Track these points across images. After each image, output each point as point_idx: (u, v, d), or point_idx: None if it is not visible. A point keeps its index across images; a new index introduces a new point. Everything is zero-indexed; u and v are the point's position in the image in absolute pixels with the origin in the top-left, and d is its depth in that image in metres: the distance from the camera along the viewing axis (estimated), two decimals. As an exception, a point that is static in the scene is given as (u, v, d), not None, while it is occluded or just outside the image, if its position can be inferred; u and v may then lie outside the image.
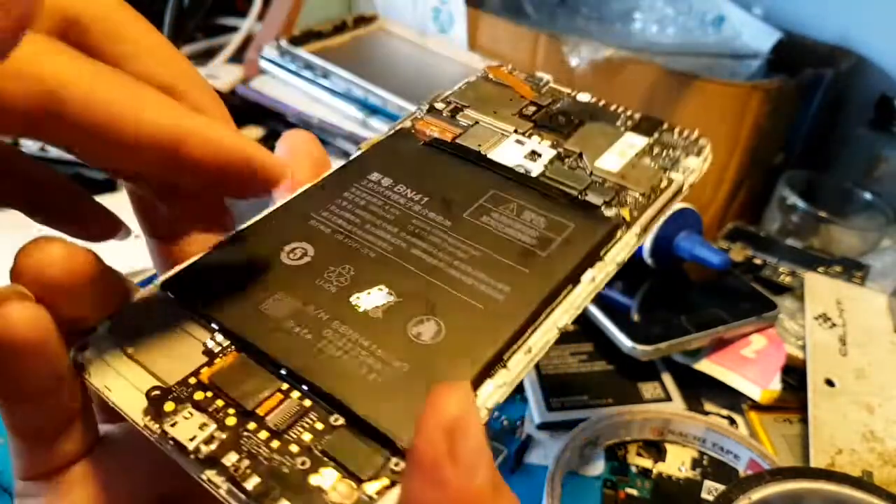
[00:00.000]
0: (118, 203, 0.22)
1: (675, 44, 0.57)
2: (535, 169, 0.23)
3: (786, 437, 0.37)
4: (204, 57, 0.67)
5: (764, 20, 0.59)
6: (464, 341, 0.18)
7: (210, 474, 0.16)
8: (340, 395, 0.17)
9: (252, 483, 0.15)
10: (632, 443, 0.36)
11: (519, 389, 0.39)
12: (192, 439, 0.16)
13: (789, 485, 0.29)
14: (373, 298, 0.19)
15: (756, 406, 0.39)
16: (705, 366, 0.39)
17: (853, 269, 0.48)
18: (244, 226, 0.22)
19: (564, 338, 0.41)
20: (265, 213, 0.22)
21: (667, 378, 0.39)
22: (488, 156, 0.24)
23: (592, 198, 0.22)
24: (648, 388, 0.39)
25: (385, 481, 0.16)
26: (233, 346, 0.18)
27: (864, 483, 0.29)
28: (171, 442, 0.16)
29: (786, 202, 0.53)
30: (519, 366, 0.18)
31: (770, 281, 0.47)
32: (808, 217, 0.52)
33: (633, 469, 0.35)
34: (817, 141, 0.60)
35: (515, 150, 0.24)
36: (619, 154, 0.24)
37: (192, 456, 0.16)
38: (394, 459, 0.16)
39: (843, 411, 0.37)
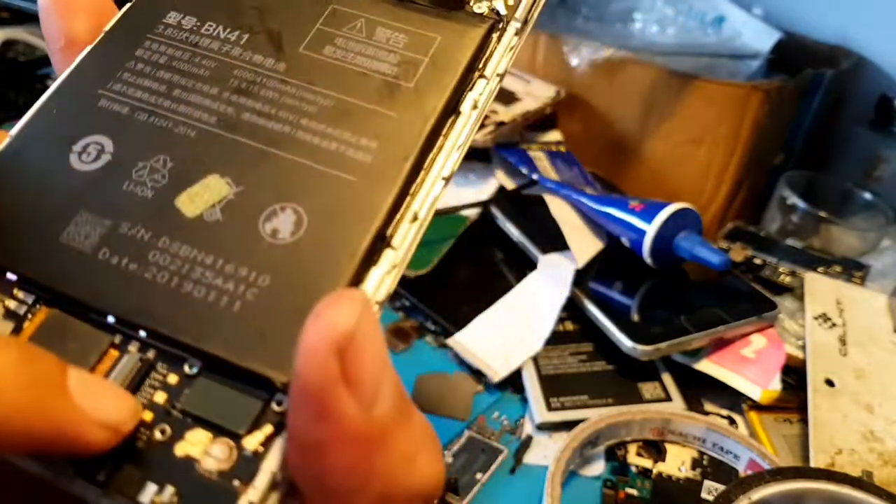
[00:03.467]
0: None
1: (675, 44, 0.57)
2: None
3: (786, 437, 0.37)
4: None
5: (764, 20, 0.59)
6: (332, 227, 0.14)
7: (54, 472, 0.13)
8: (188, 336, 0.13)
9: (103, 473, 0.13)
10: (632, 443, 0.36)
11: (519, 389, 0.39)
12: None
13: (789, 485, 0.29)
14: (205, 194, 0.15)
15: (756, 406, 0.38)
16: (705, 366, 0.39)
17: (853, 270, 0.48)
18: (15, 129, 0.16)
19: (564, 338, 0.41)
20: (38, 103, 0.17)
21: (667, 378, 0.39)
22: None
23: None
24: (648, 388, 0.39)
25: (268, 429, 0.13)
26: (40, 301, 0.14)
27: (864, 483, 0.29)
28: None
29: (786, 202, 0.53)
30: (407, 239, 0.15)
31: (770, 281, 0.47)
32: (808, 217, 0.52)
33: (633, 469, 0.35)
34: (817, 141, 0.60)
35: None
36: None
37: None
38: (276, 398, 0.13)
39: (843, 411, 0.37)
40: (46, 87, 0.17)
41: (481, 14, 0.17)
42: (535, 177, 0.50)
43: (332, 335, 0.11)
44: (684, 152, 0.52)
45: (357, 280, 0.14)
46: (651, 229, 0.42)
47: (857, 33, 0.59)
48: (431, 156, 0.16)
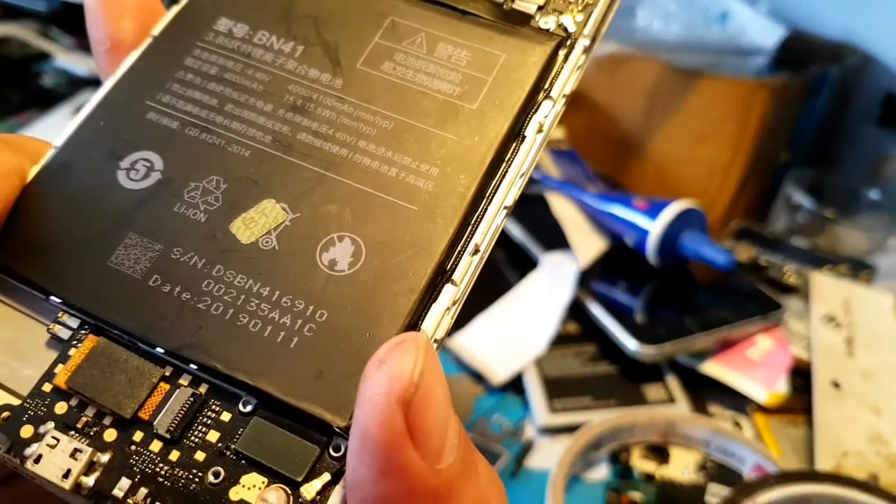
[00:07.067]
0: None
1: (680, 40, 0.57)
2: None
3: (791, 440, 0.37)
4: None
5: (769, 16, 0.58)
6: (392, 260, 0.14)
7: None
8: (243, 373, 0.13)
9: None
10: (635, 446, 0.36)
11: (520, 391, 0.38)
12: (65, 475, 0.12)
13: (795, 488, 0.28)
14: (260, 220, 0.14)
15: (761, 408, 0.38)
16: (710, 368, 0.39)
17: (859, 269, 0.48)
18: (61, 139, 0.15)
19: (567, 339, 0.41)
20: (83, 114, 0.16)
21: (671, 380, 0.39)
22: None
23: (522, 3, 0.17)
24: (652, 391, 0.38)
25: (326, 476, 0.12)
26: (87, 327, 0.14)
27: (870, 486, 0.29)
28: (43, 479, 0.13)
29: (791, 201, 0.52)
30: (467, 274, 0.14)
31: (775, 281, 0.47)
32: (814, 216, 0.51)
33: (637, 473, 0.35)
34: (823, 139, 0.59)
35: None
36: None
37: (72, 494, 0.12)
38: (333, 444, 0.13)
39: (849, 414, 0.36)
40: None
41: (548, 30, 0.16)
42: (536, 175, 0.50)
43: (398, 385, 0.11)
44: (689, 150, 0.52)
45: (417, 317, 0.13)
46: (655, 228, 0.41)
47: (863, 30, 0.58)
48: (494, 184, 0.15)
